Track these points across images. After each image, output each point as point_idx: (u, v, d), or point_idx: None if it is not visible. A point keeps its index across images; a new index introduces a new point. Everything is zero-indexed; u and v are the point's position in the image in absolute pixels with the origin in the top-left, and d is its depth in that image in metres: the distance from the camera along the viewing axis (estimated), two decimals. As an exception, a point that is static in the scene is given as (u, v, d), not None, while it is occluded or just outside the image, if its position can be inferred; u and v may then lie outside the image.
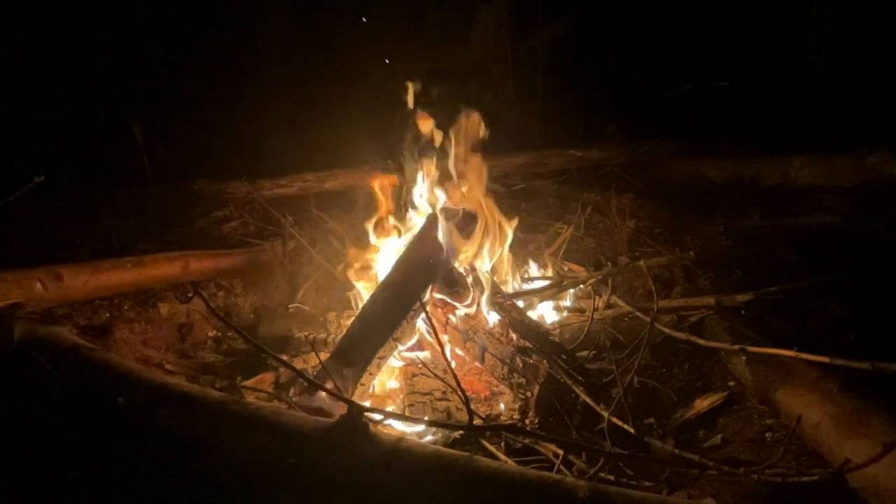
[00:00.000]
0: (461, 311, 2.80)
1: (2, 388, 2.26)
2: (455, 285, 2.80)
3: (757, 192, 5.05)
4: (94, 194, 4.67)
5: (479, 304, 2.79)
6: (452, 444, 2.22)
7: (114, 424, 2.07)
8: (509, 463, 1.98)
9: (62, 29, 5.67)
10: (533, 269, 3.58)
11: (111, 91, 5.18)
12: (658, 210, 4.59)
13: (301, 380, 2.43)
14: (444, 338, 2.86)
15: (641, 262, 3.15)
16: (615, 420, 2.07)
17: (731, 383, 2.49)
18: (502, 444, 2.21)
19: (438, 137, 3.13)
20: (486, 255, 3.12)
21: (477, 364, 2.77)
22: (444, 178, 3.17)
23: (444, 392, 2.61)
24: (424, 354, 2.91)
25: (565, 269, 3.68)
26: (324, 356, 2.57)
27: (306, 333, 3.14)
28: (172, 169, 5.14)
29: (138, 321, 3.20)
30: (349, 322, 2.92)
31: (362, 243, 3.31)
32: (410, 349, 2.89)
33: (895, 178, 4.40)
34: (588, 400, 2.22)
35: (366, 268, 3.24)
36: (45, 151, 4.97)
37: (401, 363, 2.82)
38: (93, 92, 5.38)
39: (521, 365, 2.48)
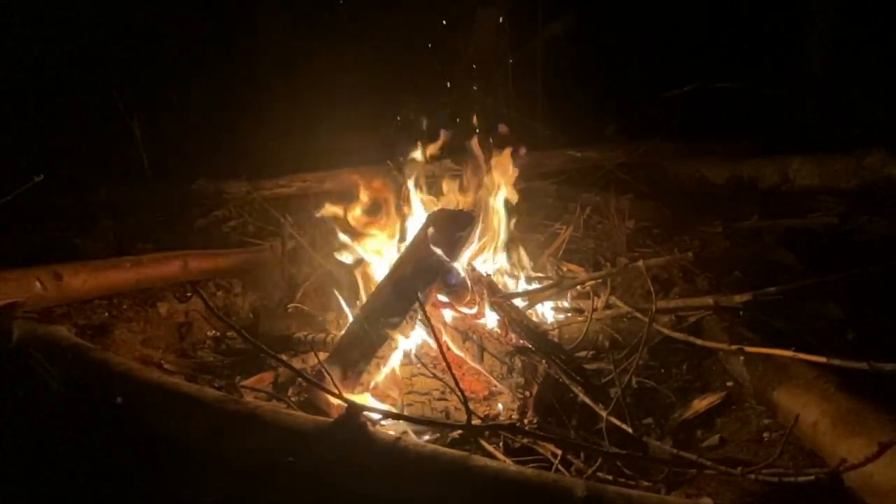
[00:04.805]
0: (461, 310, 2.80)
1: (0, 388, 2.26)
2: (454, 285, 2.80)
3: (756, 192, 5.06)
4: (93, 194, 4.67)
5: (478, 304, 2.78)
6: (451, 443, 2.22)
7: (112, 424, 2.07)
8: (508, 462, 1.98)
9: (62, 28, 5.68)
10: (532, 269, 3.58)
11: (111, 90, 5.18)
12: (657, 210, 4.60)
13: (300, 379, 2.43)
14: (444, 337, 2.85)
15: (640, 263, 3.14)
16: (613, 420, 2.07)
17: (730, 383, 2.49)
18: (501, 443, 2.21)
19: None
20: (486, 255, 3.12)
21: (475, 364, 2.77)
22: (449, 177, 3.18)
23: (442, 392, 2.62)
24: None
25: (564, 269, 3.68)
26: (323, 356, 2.57)
27: (305, 333, 3.14)
28: (172, 169, 5.14)
29: (137, 321, 3.20)
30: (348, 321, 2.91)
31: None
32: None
33: (893, 179, 4.42)
34: (586, 400, 2.22)
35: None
36: (44, 150, 4.97)
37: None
38: (92, 91, 5.38)
39: (519, 365, 2.48)
